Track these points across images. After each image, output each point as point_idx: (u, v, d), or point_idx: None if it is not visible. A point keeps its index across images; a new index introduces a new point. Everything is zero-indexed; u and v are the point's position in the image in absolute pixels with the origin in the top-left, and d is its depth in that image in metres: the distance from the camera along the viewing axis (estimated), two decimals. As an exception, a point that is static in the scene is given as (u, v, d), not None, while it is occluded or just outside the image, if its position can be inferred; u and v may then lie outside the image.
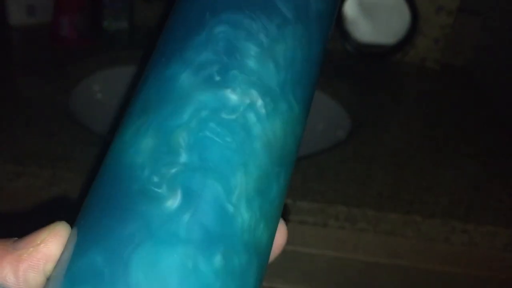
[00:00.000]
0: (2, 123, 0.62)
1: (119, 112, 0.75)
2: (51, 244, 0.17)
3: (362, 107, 0.76)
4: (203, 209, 0.16)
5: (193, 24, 0.19)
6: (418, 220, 0.54)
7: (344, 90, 0.80)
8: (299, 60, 0.19)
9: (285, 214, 0.53)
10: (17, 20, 0.87)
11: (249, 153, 0.17)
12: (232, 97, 0.18)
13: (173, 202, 0.16)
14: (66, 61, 0.80)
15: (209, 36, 0.19)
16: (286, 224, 0.20)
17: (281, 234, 0.20)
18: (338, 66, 0.86)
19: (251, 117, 0.18)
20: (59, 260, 0.17)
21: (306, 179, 0.57)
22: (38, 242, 0.17)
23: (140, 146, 0.17)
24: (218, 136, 0.17)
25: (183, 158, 0.17)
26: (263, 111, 0.18)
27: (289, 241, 0.20)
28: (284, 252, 0.21)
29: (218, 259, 0.16)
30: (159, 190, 0.16)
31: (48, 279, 0.17)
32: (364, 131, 0.69)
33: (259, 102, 0.18)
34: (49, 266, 0.17)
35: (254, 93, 0.18)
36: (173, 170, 0.17)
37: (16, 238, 0.18)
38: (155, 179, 0.17)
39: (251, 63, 0.18)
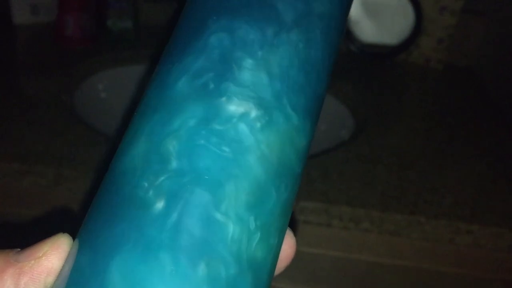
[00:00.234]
0: (7, 122, 0.63)
1: (123, 111, 0.75)
2: (52, 257, 0.17)
3: (366, 107, 0.76)
4: (189, 215, 0.16)
5: (194, 29, 0.19)
6: (423, 221, 0.54)
7: (348, 90, 0.80)
8: (297, 67, 0.19)
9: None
10: (21, 19, 0.87)
11: (241, 164, 0.17)
12: (225, 107, 0.17)
13: (158, 207, 0.16)
14: (70, 60, 0.80)
15: (206, 43, 0.18)
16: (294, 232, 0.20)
17: (289, 245, 0.19)
18: (342, 67, 0.86)
19: (243, 128, 0.17)
20: (59, 274, 0.17)
21: (310, 179, 0.57)
22: (40, 255, 0.17)
23: (134, 152, 0.18)
24: (209, 145, 0.17)
25: (173, 165, 0.17)
26: (256, 122, 0.18)
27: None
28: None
29: (201, 267, 0.16)
30: (147, 195, 0.16)
31: None
32: (368, 131, 0.69)
33: (253, 113, 0.18)
34: (50, 279, 0.17)
35: (247, 104, 0.18)
36: (162, 177, 0.17)
37: (19, 249, 0.18)
38: (145, 184, 0.17)
39: (246, 72, 0.18)
